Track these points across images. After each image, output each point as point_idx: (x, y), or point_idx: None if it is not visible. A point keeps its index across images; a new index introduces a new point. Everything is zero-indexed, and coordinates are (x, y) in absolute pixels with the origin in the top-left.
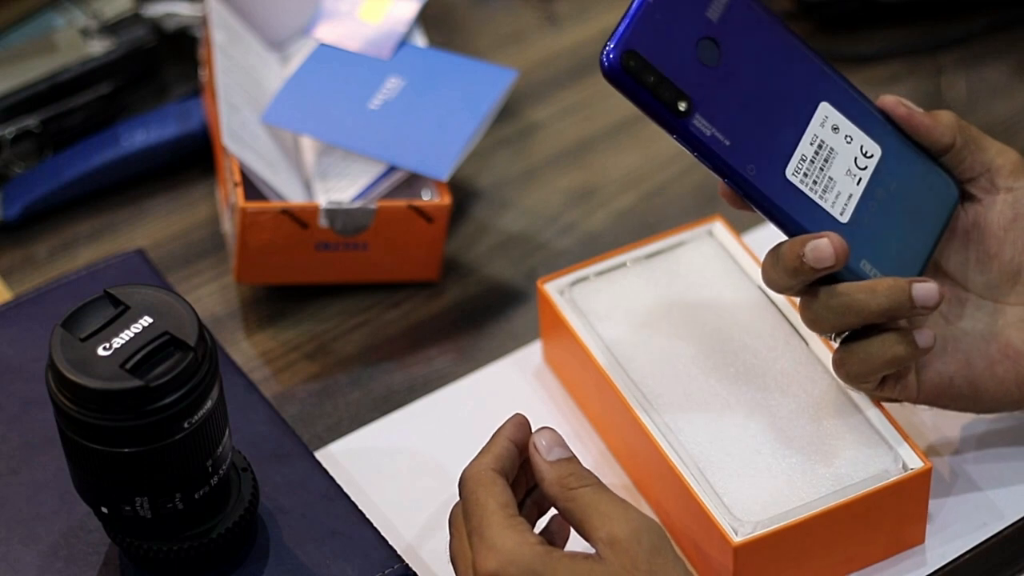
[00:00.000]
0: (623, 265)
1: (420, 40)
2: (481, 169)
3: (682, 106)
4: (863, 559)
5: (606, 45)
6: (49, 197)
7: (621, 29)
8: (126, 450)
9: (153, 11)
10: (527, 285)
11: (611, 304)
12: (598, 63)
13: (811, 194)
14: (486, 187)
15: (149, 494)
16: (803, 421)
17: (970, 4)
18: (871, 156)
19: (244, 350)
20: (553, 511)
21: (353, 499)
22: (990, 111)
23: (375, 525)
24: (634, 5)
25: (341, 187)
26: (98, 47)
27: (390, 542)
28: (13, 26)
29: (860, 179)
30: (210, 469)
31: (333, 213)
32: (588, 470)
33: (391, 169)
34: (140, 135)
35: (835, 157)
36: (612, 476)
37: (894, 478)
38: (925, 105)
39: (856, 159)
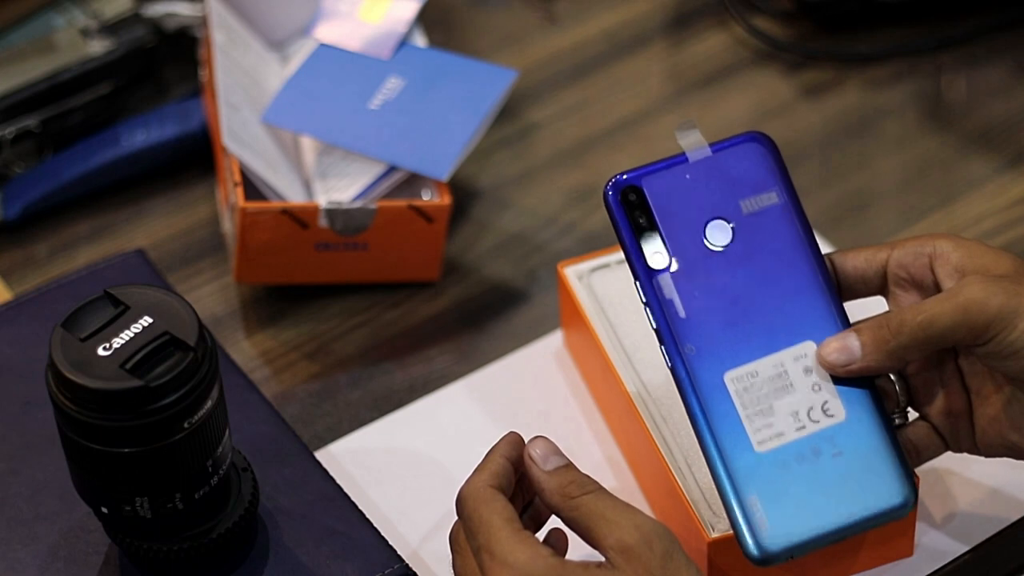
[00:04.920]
0: None
1: (420, 40)
2: (481, 169)
3: (657, 261)
4: (845, 567)
5: (620, 172)
6: (49, 197)
7: (644, 167)
8: (126, 450)
9: (153, 11)
10: (527, 285)
11: (630, 293)
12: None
13: (739, 407)
14: (486, 187)
15: (149, 494)
16: None
17: (970, 4)
18: (831, 416)
19: (244, 350)
20: (549, 524)
21: (353, 499)
22: (990, 111)
23: (375, 525)
24: (672, 157)
25: (341, 187)
26: (98, 47)
27: (390, 542)
28: (13, 26)
29: (803, 427)
30: (210, 469)
31: (333, 213)
32: (587, 476)
33: (391, 169)
34: (140, 135)
35: (789, 393)
36: (615, 464)
37: None
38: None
39: (811, 410)
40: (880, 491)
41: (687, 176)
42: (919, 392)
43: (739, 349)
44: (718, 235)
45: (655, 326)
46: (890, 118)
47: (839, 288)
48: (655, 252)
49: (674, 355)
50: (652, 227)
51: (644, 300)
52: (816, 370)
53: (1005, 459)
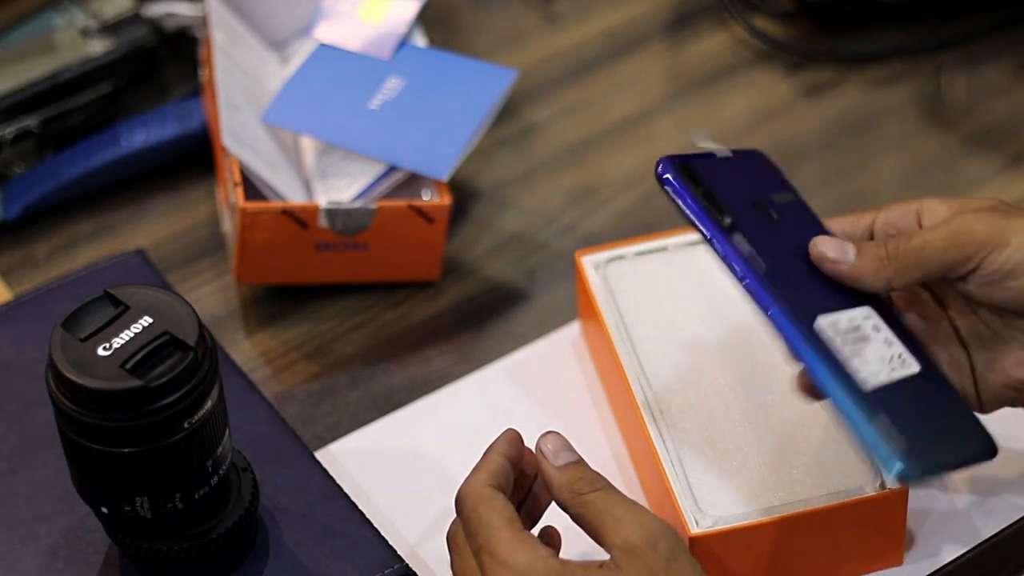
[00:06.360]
0: (664, 249)
1: (420, 40)
2: (481, 169)
3: (727, 220)
4: (832, 571)
5: (664, 157)
6: (49, 197)
7: (685, 155)
8: (126, 450)
9: (153, 11)
10: (527, 285)
11: (642, 285)
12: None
13: (838, 348)
14: (486, 187)
15: (149, 494)
16: (795, 426)
17: (970, 4)
18: (907, 367)
19: (244, 350)
20: (544, 521)
21: (353, 499)
22: (990, 111)
23: (375, 525)
24: (702, 153)
25: (341, 187)
26: (98, 47)
27: (390, 542)
28: (13, 26)
29: (894, 370)
30: (210, 469)
31: (333, 213)
32: (597, 473)
33: (391, 169)
34: (140, 135)
35: (869, 343)
36: (619, 456)
37: (866, 495)
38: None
39: (891, 358)
40: (968, 436)
41: (722, 166)
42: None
43: (817, 302)
44: (763, 214)
45: (741, 278)
46: (890, 118)
47: None
48: (723, 213)
49: (768, 301)
50: (711, 196)
51: (724, 255)
52: (882, 330)
53: (997, 461)
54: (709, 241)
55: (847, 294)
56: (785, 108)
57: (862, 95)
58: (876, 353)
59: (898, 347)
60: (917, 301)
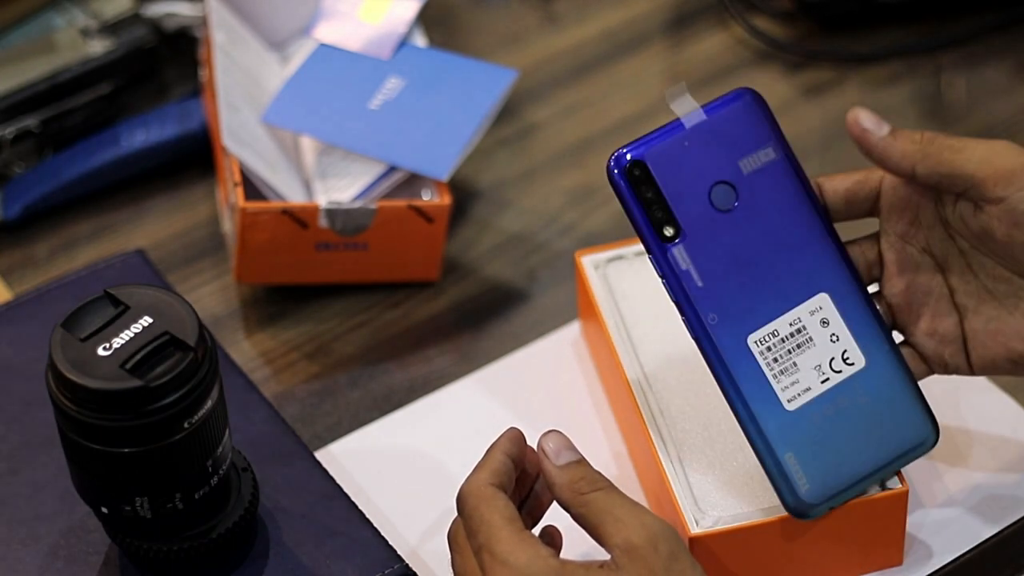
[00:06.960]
0: None
1: (420, 40)
2: (481, 169)
3: (668, 231)
4: (832, 571)
5: (621, 147)
6: (49, 197)
7: (642, 140)
8: (126, 450)
9: (153, 11)
10: (527, 285)
11: (642, 285)
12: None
13: (765, 368)
14: (486, 187)
15: (149, 494)
16: None
17: (970, 4)
18: (851, 364)
19: (244, 350)
20: (545, 520)
21: (353, 499)
22: (990, 111)
23: (375, 525)
24: (667, 125)
25: (341, 187)
26: (98, 47)
27: (390, 542)
28: (13, 26)
29: (827, 379)
30: (210, 469)
31: (333, 213)
32: (599, 472)
33: (391, 169)
34: (140, 135)
35: (810, 348)
36: (619, 455)
37: (867, 495)
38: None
39: (832, 360)
40: (905, 430)
41: (685, 143)
42: (903, 313)
43: (757, 310)
44: (723, 198)
45: (675, 299)
46: (890, 118)
47: (826, 211)
48: (666, 224)
49: (697, 326)
50: (660, 199)
51: (660, 274)
52: (832, 322)
53: (997, 460)
54: (649, 257)
55: (805, 279)
56: (785, 108)
57: (862, 95)
58: (814, 360)
59: (845, 342)
60: (912, 265)
